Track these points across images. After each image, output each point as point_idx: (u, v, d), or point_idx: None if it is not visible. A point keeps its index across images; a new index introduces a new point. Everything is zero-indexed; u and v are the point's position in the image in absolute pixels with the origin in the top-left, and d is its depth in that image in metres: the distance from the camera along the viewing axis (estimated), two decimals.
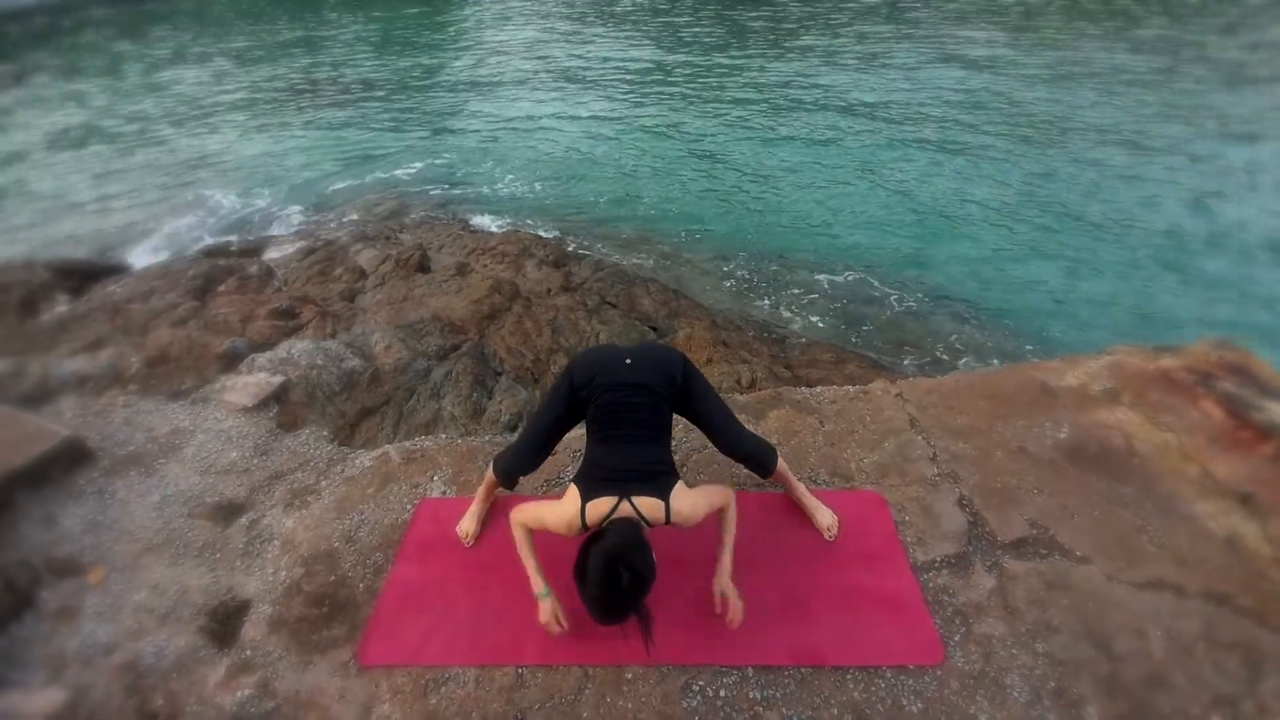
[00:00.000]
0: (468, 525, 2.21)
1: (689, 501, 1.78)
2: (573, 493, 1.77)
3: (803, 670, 1.79)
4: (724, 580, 1.83)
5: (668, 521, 1.74)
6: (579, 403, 1.94)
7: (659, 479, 1.78)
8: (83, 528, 2.34)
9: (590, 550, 1.63)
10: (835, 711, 1.70)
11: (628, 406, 1.86)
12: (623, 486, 1.74)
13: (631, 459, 1.80)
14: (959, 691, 1.73)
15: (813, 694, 1.74)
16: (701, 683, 1.77)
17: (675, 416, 2.02)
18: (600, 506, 1.72)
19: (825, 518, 2.17)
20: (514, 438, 2.47)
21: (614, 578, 1.57)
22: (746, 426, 2.17)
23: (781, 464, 2.14)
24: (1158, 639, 1.81)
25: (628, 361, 1.92)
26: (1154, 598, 1.92)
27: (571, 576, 1.67)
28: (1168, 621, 1.85)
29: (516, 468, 2.08)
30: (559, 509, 1.79)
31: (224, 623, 2.02)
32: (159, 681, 1.85)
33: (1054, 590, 1.95)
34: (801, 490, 2.22)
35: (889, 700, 1.72)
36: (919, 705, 1.70)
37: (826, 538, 2.14)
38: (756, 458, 2.07)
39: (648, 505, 1.72)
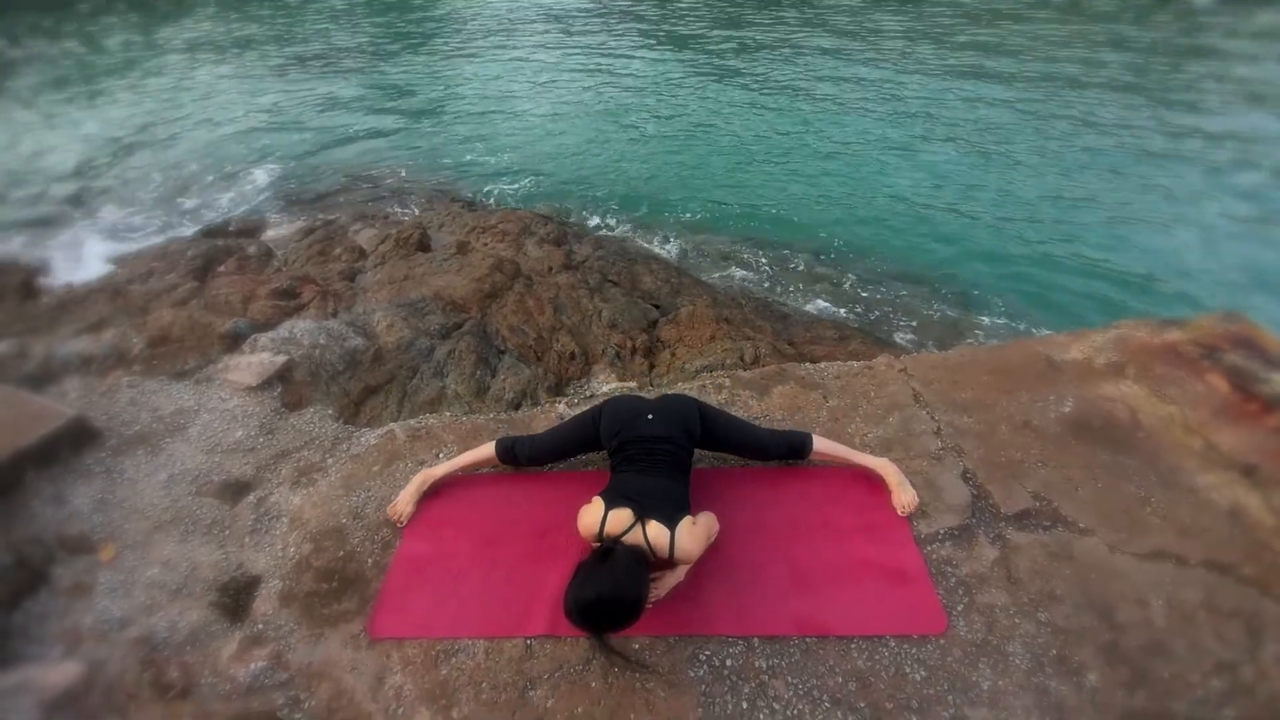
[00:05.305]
0: (404, 506, 2.21)
1: (692, 539, 1.84)
2: (597, 502, 1.88)
3: (808, 640, 1.82)
4: (669, 583, 1.90)
5: (670, 556, 1.81)
6: (600, 445, 2.18)
7: (671, 507, 1.88)
8: (92, 506, 2.36)
9: (604, 564, 1.70)
10: (840, 680, 1.73)
11: (649, 452, 2.03)
12: (641, 505, 1.85)
13: (651, 485, 1.94)
14: (962, 659, 1.75)
15: (818, 663, 1.77)
16: (708, 653, 1.80)
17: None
18: (620, 517, 1.82)
19: (906, 495, 2.15)
20: (525, 424, 2.58)
21: (610, 604, 1.65)
22: (755, 411, 2.24)
23: (822, 445, 2.23)
24: (1159, 608, 1.83)
25: (649, 417, 2.11)
26: (1156, 568, 1.93)
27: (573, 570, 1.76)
28: (1170, 591, 1.87)
29: (522, 455, 2.24)
30: (585, 515, 1.89)
31: (235, 598, 2.04)
32: (173, 655, 1.88)
33: (1057, 561, 1.97)
34: (861, 457, 2.23)
35: (893, 669, 1.74)
36: (922, 673, 1.73)
37: (898, 511, 2.13)
38: (790, 455, 2.24)
39: (655, 531, 1.80)
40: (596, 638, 1.74)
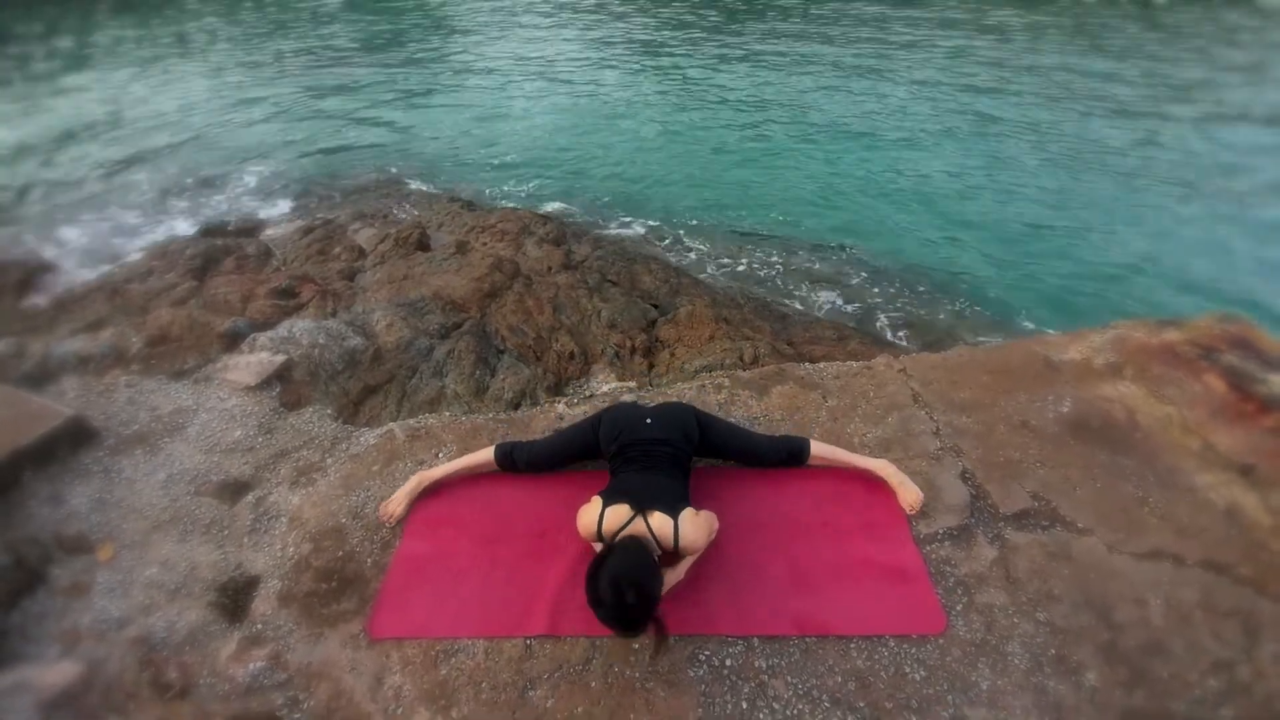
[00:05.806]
0: (395, 508, 2.20)
1: (695, 527, 1.86)
2: (595, 501, 1.90)
3: (807, 640, 1.82)
4: (670, 582, 1.88)
5: (676, 546, 1.83)
6: (599, 452, 2.19)
7: (672, 499, 1.90)
8: (90, 506, 2.35)
9: (600, 571, 1.71)
10: (839, 679, 1.73)
11: (648, 453, 2.05)
12: (639, 499, 1.87)
13: (650, 481, 1.96)
14: (961, 659, 1.75)
15: (817, 663, 1.77)
16: (708, 652, 1.80)
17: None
18: (618, 513, 1.84)
19: (910, 493, 2.15)
20: (524, 424, 2.59)
21: (621, 598, 1.65)
22: (754, 411, 2.25)
23: (820, 449, 2.24)
24: (1157, 607, 1.84)
25: (648, 421, 2.14)
26: (1154, 567, 1.94)
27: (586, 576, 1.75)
28: (1167, 590, 1.88)
29: (521, 461, 2.26)
30: (583, 515, 1.91)
31: (234, 598, 2.04)
32: (172, 655, 1.87)
33: (1055, 561, 1.97)
34: (859, 460, 2.24)
35: (892, 668, 1.75)
36: (921, 673, 1.73)
37: (906, 510, 2.13)
38: (788, 461, 2.24)
39: (658, 521, 1.82)
40: (632, 633, 1.73)
